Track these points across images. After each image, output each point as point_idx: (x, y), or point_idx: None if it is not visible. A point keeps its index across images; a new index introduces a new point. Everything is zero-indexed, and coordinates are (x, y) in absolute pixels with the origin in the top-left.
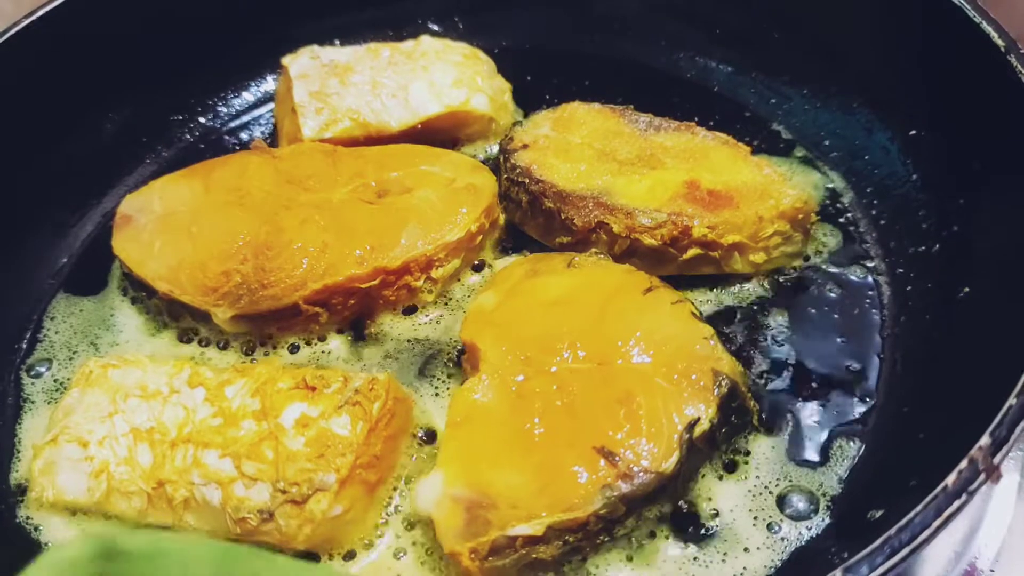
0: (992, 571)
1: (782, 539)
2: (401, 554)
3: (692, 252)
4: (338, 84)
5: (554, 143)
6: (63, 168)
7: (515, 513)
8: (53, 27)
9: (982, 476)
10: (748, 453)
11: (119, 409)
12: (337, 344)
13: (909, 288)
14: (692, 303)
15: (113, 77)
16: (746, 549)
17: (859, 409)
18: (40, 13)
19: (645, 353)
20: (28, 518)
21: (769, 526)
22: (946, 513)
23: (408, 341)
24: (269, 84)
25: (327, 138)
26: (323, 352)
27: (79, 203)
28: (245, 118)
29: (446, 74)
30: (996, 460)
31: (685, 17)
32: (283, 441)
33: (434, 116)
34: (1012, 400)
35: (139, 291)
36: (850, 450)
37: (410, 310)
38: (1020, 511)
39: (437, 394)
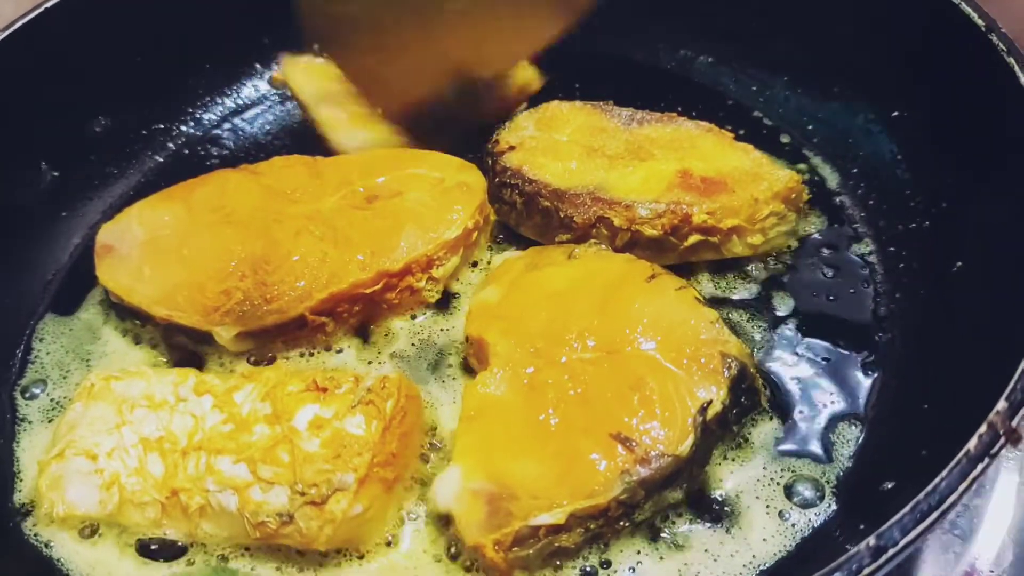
0: (992, 572)
1: (792, 525)
2: (423, 549)
3: (693, 239)
4: None
5: (541, 143)
6: (45, 180)
7: (536, 503)
8: (33, 38)
9: (1002, 439)
10: (755, 441)
11: (126, 420)
12: (342, 350)
13: (902, 266)
14: (695, 288)
15: (94, 87)
16: (763, 540)
17: (861, 386)
18: (19, 24)
19: (653, 339)
20: (37, 535)
21: (780, 513)
22: (971, 476)
23: (413, 344)
24: (248, 91)
25: None
26: (328, 359)
27: (64, 215)
28: (226, 125)
29: None
30: (1014, 423)
31: (663, 9)
32: (298, 443)
33: None
34: None
35: (131, 319)
36: (855, 427)
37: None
38: (1020, 512)
39: (446, 390)
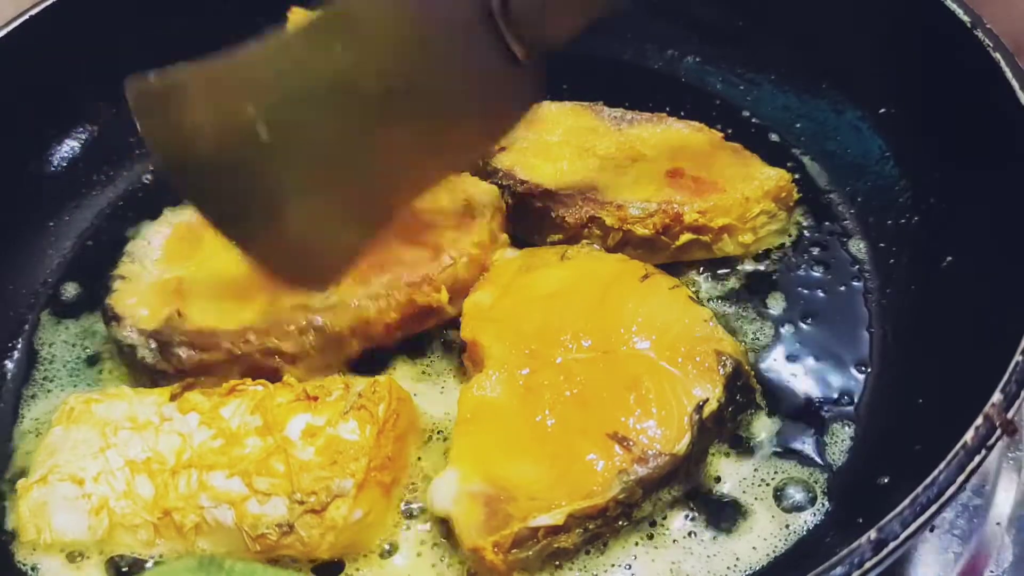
0: (992, 572)
1: (787, 524)
2: (421, 553)
3: (685, 238)
4: None
5: (531, 144)
6: (33, 187)
7: (534, 504)
8: (21, 42)
9: (998, 431)
10: (750, 440)
11: (110, 443)
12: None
13: (892, 261)
14: (687, 288)
15: (81, 93)
16: (759, 539)
17: (854, 383)
18: (7, 29)
19: (648, 339)
20: (21, 561)
21: (775, 512)
22: (968, 469)
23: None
24: None
25: None
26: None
27: (51, 224)
28: None
29: None
30: (1010, 415)
31: (650, 9)
32: (292, 453)
33: None
34: (1019, 357)
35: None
36: (849, 423)
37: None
38: (1020, 512)
39: (442, 394)
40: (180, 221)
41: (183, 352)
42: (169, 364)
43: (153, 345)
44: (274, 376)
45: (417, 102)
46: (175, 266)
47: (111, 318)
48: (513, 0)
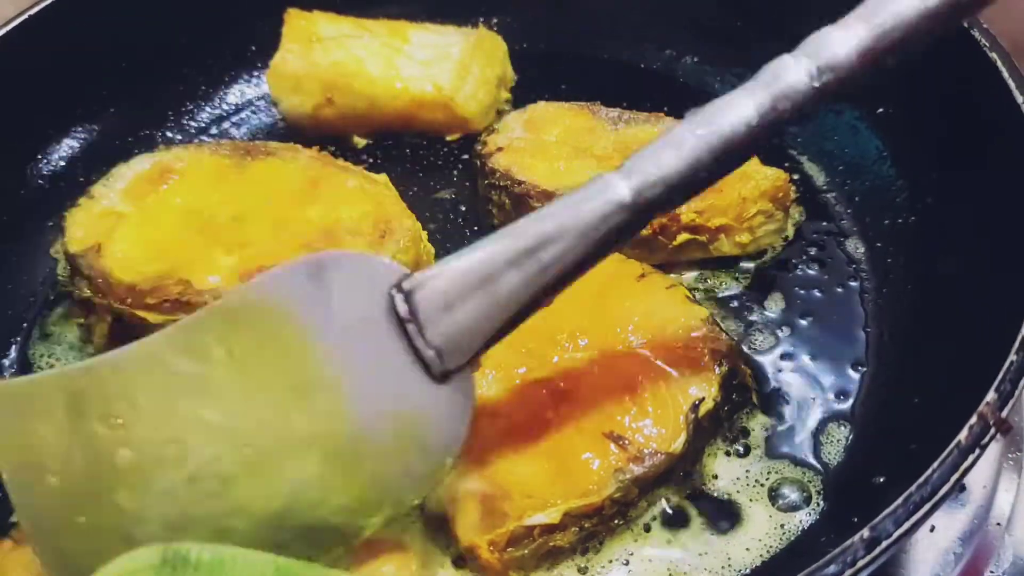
0: (992, 572)
1: (783, 523)
2: (414, 552)
3: (682, 238)
4: None
5: (529, 144)
6: (31, 187)
7: (530, 502)
8: (17, 43)
9: (992, 430)
10: (746, 439)
11: None
12: None
13: (889, 261)
14: (684, 287)
15: (77, 94)
16: (754, 539)
17: (849, 383)
18: (3, 31)
19: (644, 338)
20: None
21: (771, 511)
22: (962, 468)
23: None
24: (234, 96)
25: None
26: None
27: (50, 224)
28: (212, 131)
29: None
30: (1004, 414)
31: (648, 9)
32: None
33: None
34: (1013, 356)
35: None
36: (844, 423)
37: None
38: (1020, 512)
39: None
40: (162, 160)
41: (82, 285)
42: (74, 289)
43: (67, 268)
44: None
45: (307, 430)
46: (129, 201)
47: (60, 229)
48: (420, 300)
